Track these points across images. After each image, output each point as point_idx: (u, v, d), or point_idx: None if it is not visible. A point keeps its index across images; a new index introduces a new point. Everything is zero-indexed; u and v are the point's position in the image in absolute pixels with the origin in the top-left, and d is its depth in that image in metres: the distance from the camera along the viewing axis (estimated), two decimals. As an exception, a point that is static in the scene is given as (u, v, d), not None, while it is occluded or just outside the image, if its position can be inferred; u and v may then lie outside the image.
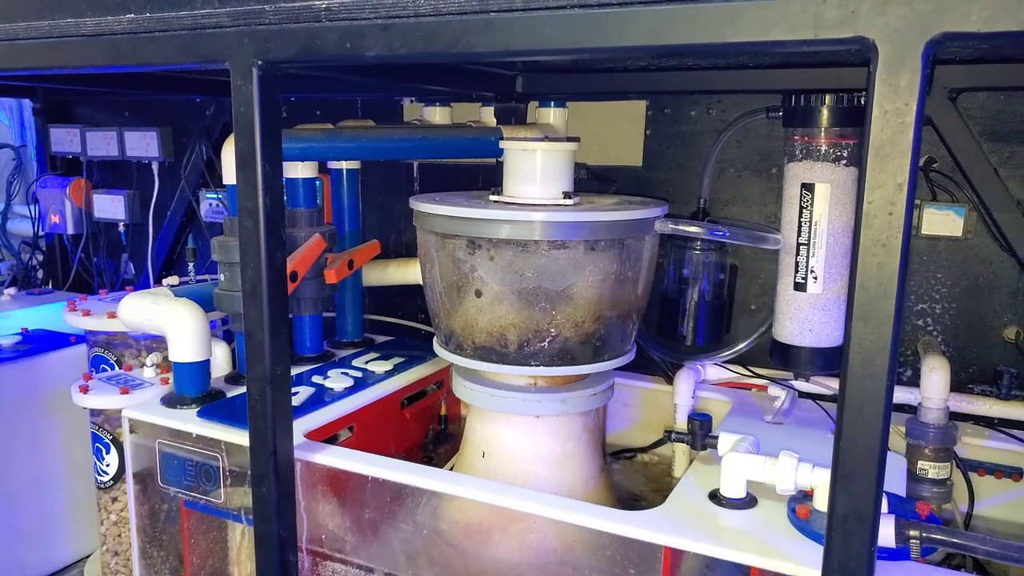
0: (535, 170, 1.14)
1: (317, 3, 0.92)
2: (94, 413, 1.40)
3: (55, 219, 2.24)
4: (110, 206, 2.21)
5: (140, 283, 2.22)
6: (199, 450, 1.25)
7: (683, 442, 1.14)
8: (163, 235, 2.15)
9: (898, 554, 0.88)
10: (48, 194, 2.24)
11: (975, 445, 1.31)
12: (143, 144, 2.12)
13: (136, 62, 1.09)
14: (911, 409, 1.33)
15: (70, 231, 2.24)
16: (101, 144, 2.17)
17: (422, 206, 1.13)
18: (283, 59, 0.96)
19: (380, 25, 0.89)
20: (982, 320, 1.39)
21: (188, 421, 1.26)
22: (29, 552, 1.58)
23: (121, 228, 2.23)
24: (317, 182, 1.55)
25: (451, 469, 1.33)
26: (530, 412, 1.15)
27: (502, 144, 1.18)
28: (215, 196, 2.02)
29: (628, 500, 1.40)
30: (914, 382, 1.37)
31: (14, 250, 2.54)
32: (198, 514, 1.29)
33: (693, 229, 1.18)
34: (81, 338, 1.68)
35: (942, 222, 1.39)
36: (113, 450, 1.38)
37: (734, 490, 1.02)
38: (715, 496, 1.03)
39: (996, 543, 0.83)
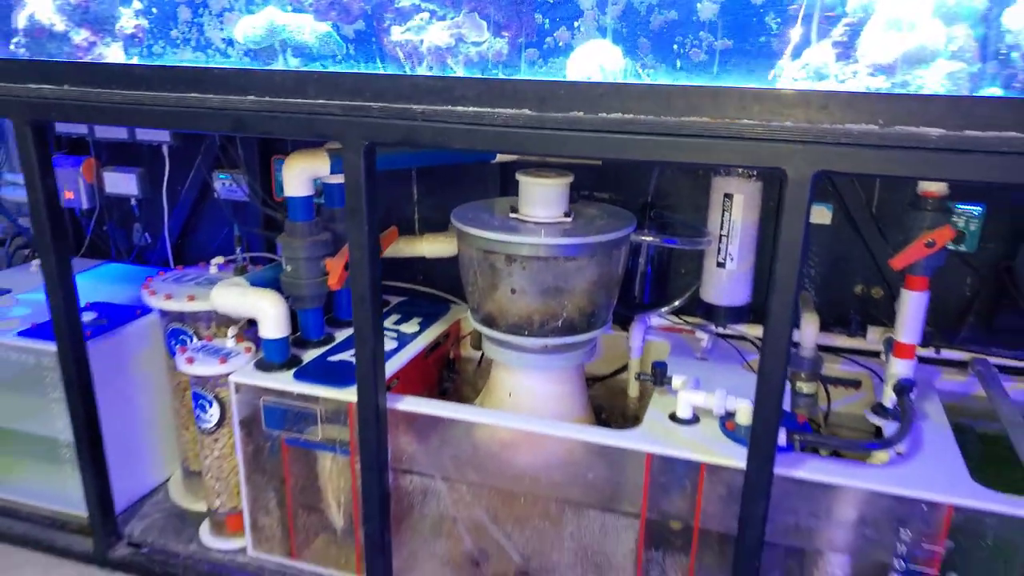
0: (549, 198, 1.61)
1: (415, 107, 1.34)
2: (196, 378, 1.81)
3: (70, 195, 2.50)
4: (122, 182, 2.49)
5: (157, 252, 2.54)
6: (298, 403, 1.70)
7: (649, 381, 1.68)
8: (177, 210, 2.47)
9: (786, 449, 1.46)
10: (62, 172, 2.49)
11: (833, 367, 1.92)
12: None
13: (258, 132, 1.46)
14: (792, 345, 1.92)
15: (84, 206, 2.51)
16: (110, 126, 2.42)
17: (470, 229, 1.59)
18: (387, 143, 1.38)
19: (463, 129, 1.32)
20: (840, 281, 1.99)
21: (288, 383, 1.70)
22: (125, 483, 1.99)
23: (133, 202, 2.53)
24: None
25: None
26: (545, 367, 1.67)
27: (520, 177, 1.64)
28: (227, 176, 2.35)
29: (597, 411, 1.95)
30: (795, 325, 1.97)
31: (12, 216, 2.77)
32: (297, 448, 1.76)
33: (652, 239, 1.70)
34: (145, 309, 2.04)
35: (818, 214, 1.95)
36: (216, 404, 1.80)
37: (685, 413, 1.57)
38: (673, 417, 1.59)
39: (840, 441, 1.42)
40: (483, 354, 2.08)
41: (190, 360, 1.76)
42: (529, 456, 1.61)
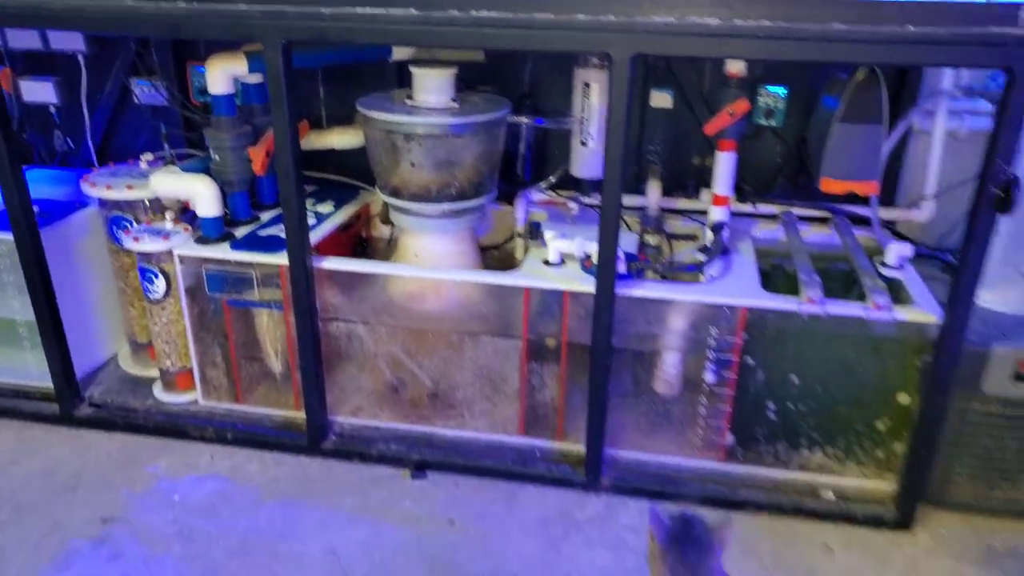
0: (438, 86, 1.96)
1: (324, 10, 1.65)
2: (141, 255, 2.10)
3: (-13, 104, 2.65)
4: (39, 91, 2.66)
5: (79, 157, 2.74)
6: (237, 270, 2.03)
7: (527, 236, 2.09)
8: (98, 116, 2.67)
9: (627, 276, 1.91)
10: (-23, 83, 2.63)
11: (675, 224, 2.38)
12: (67, 36, 2.55)
13: (191, 35, 1.74)
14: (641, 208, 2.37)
15: (2, 114, 2.67)
16: (23, 36, 2.57)
17: (374, 113, 1.93)
18: (302, 41, 1.69)
19: (364, 28, 1.64)
20: (680, 154, 2.44)
21: (227, 253, 2.03)
22: (78, 358, 2.28)
23: (52, 110, 2.71)
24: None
25: (388, 266, 2.21)
26: (444, 230, 2.06)
27: (412, 69, 1.98)
28: (147, 83, 2.57)
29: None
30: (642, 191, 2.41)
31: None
32: (237, 309, 2.09)
33: (525, 121, 2.08)
34: (84, 201, 2.30)
35: (661, 99, 2.37)
36: (161, 277, 2.10)
37: (554, 258, 2.00)
38: (545, 262, 2.01)
39: (663, 265, 1.88)
40: (392, 231, 2.46)
41: (136, 239, 2.06)
42: (434, 300, 2.01)
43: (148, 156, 2.36)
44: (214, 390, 2.21)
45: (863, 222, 2.27)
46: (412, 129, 1.90)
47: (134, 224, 2.21)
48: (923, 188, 2.31)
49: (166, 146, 2.33)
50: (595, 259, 1.94)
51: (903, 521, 1.86)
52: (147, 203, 2.21)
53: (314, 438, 2.10)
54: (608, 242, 1.74)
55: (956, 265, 2.26)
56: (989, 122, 1.50)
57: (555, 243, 1.99)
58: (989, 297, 1.96)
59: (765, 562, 1.78)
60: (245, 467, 2.08)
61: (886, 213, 2.31)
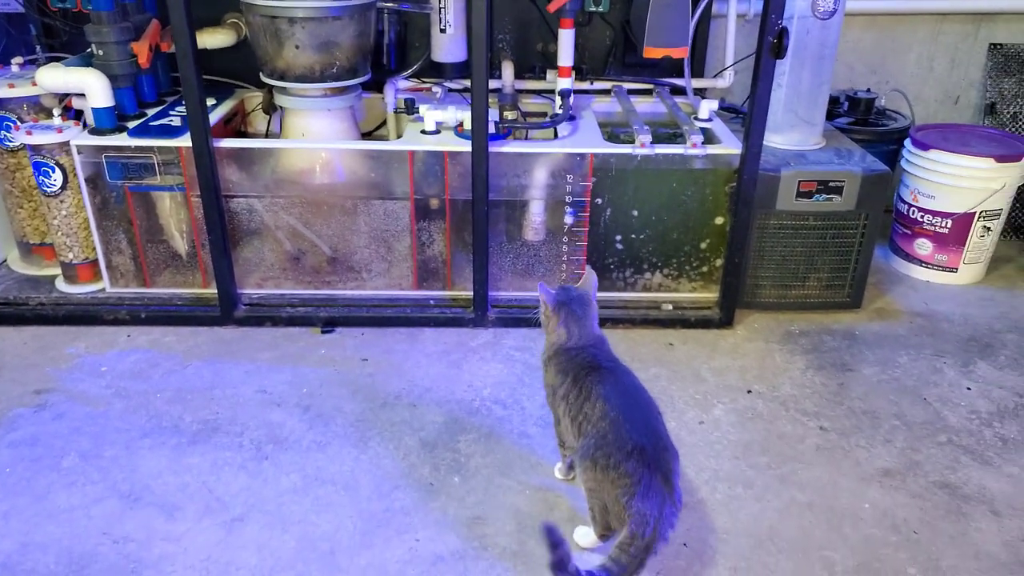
0: (313, -22, 2.19)
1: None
2: (35, 149, 2.19)
3: None
4: None
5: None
6: (137, 156, 2.19)
7: (403, 112, 2.37)
8: (-53, 25, 2.63)
9: (497, 136, 2.25)
10: None
11: (527, 102, 2.74)
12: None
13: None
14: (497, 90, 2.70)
15: None
16: None
17: (258, 1, 2.12)
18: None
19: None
20: (526, 41, 2.78)
21: (126, 140, 2.18)
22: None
23: None
24: (137, -18, 2.35)
25: (276, 150, 2.43)
26: (329, 107, 2.31)
27: (289, -38, 2.18)
28: (0, -11, 2.57)
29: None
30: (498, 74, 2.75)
31: None
32: (140, 194, 2.25)
33: (391, 4, 2.35)
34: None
35: (506, -10, 2.69)
36: (58, 170, 2.21)
37: (431, 126, 2.30)
38: (423, 132, 2.31)
39: (525, 123, 2.25)
40: (270, 123, 2.65)
41: (29, 133, 2.15)
42: (327, 172, 2.26)
43: (18, 59, 2.40)
44: (121, 277, 2.37)
45: (680, 92, 2.73)
46: (294, 13, 2.12)
47: (18, 123, 2.28)
48: (724, 61, 2.81)
49: (38, 48, 2.39)
50: (467, 125, 2.28)
51: (726, 320, 2.37)
52: (30, 100, 2.28)
53: (226, 308, 2.32)
54: (479, 103, 2.06)
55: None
56: None
57: (431, 113, 2.29)
58: (777, 139, 2.48)
59: (623, 358, 2.22)
60: (163, 340, 2.27)
61: (696, 83, 2.79)
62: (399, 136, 2.70)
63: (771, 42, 1.96)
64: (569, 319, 1.57)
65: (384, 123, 2.73)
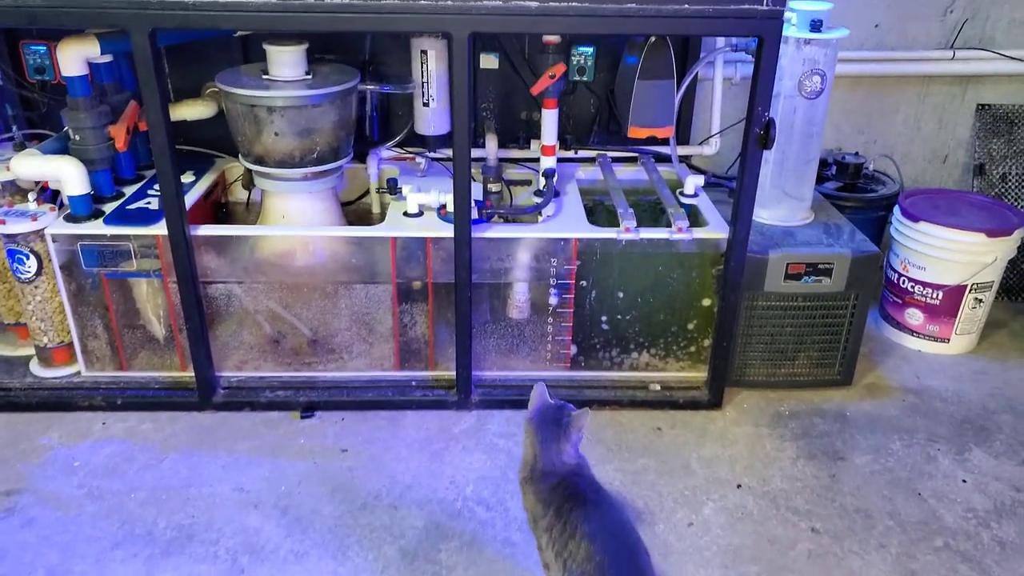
0: (292, 60, 2.14)
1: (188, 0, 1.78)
2: (8, 236, 2.14)
3: None
4: None
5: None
6: (113, 243, 2.14)
7: (386, 192, 2.33)
8: (-79, 99, 2.59)
9: (480, 221, 2.21)
10: None
11: (511, 172, 2.71)
12: None
13: (52, 25, 1.81)
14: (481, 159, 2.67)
15: None
16: None
17: (236, 90, 2.08)
18: (168, 28, 1.82)
19: (229, 16, 1.80)
20: (510, 110, 2.75)
21: (102, 228, 2.13)
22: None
23: None
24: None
25: (256, 229, 2.38)
26: (310, 190, 2.27)
27: (267, 46, 2.14)
28: (-25, 65, 2.53)
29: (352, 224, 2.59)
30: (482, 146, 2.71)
31: None
32: (116, 280, 2.20)
33: (373, 87, 2.31)
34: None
35: (489, 61, 2.65)
36: (32, 257, 2.16)
37: (413, 209, 2.26)
38: (406, 214, 2.27)
39: (508, 209, 2.20)
40: (250, 195, 2.61)
41: (2, 222, 2.10)
42: (306, 256, 2.22)
43: (-10, 140, 2.37)
44: (97, 360, 2.31)
45: (665, 159, 2.70)
46: (274, 102, 2.08)
47: (-10, 208, 2.23)
48: (710, 127, 2.78)
49: (14, 128, 2.35)
50: (450, 208, 2.24)
51: (715, 401, 2.33)
52: (3, 185, 2.24)
53: (204, 393, 2.27)
54: (462, 192, 2.02)
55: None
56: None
57: (413, 196, 2.25)
58: (764, 214, 2.44)
59: (610, 446, 2.18)
60: (140, 428, 2.22)
61: (682, 150, 2.76)
62: (382, 208, 2.67)
63: (758, 133, 1.93)
64: (537, 440, 1.53)
65: (367, 193, 2.70)
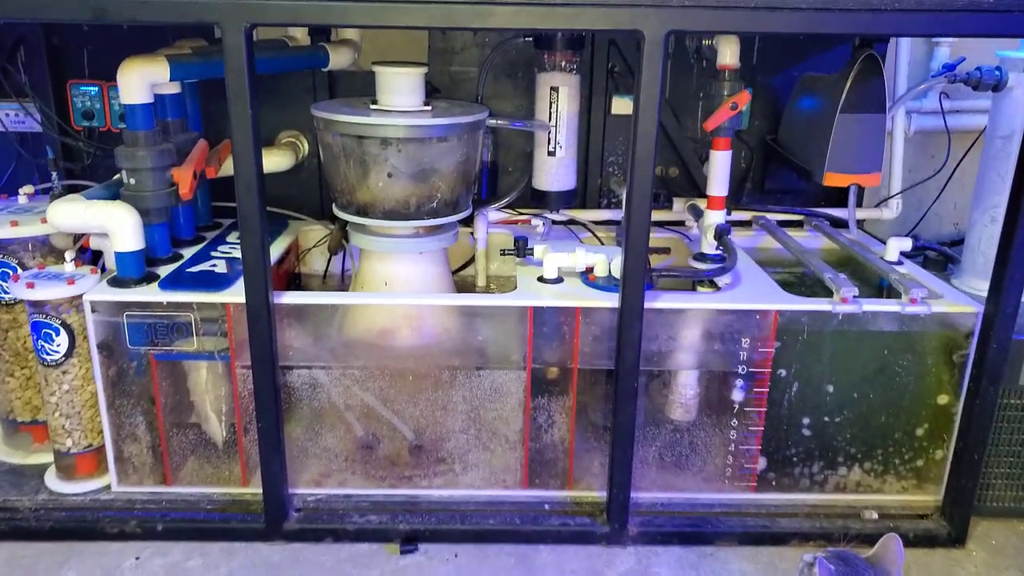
0: (409, 86, 1.69)
1: (293, -19, 1.35)
2: (36, 305, 1.65)
3: None
4: None
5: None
6: (169, 314, 1.63)
7: (512, 254, 1.82)
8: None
9: (647, 287, 1.68)
10: None
11: (652, 237, 2.20)
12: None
13: (125, 20, 1.37)
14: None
15: None
16: None
17: (343, 117, 1.62)
18: (271, 23, 1.37)
19: (348, 8, 1.35)
20: (646, 165, 2.28)
21: (155, 294, 1.63)
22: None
23: None
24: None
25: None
26: (421, 249, 1.76)
27: (378, 69, 1.70)
28: (14, 106, 2.11)
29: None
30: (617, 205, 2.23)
31: None
32: (167, 364, 1.68)
33: (503, 123, 1.84)
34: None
35: (623, 106, 2.21)
36: (63, 332, 1.66)
37: (552, 274, 1.75)
38: (540, 279, 1.75)
39: (686, 271, 1.69)
40: (329, 263, 2.13)
41: (31, 285, 1.61)
42: (413, 334, 1.70)
43: (28, 189, 1.91)
44: (134, 471, 1.76)
45: (841, 224, 2.19)
46: (391, 132, 1.61)
47: (18, 270, 1.75)
48: (890, 187, 2.29)
49: (54, 175, 1.90)
50: (600, 271, 1.73)
51: (956, 536, 1.73)
52: (36, 242, 1.76)
53: (273, 518, 1.70)
54: (637, 243, 1.52)
55: (944, 256, 2.25)
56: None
57: (552, 257, 1.74)
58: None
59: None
60: (185, 566, 1.64)
61: (856, 213, 2.25)
62: (488, 279, 2.17)
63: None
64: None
65: (471, 261, 2.20)
